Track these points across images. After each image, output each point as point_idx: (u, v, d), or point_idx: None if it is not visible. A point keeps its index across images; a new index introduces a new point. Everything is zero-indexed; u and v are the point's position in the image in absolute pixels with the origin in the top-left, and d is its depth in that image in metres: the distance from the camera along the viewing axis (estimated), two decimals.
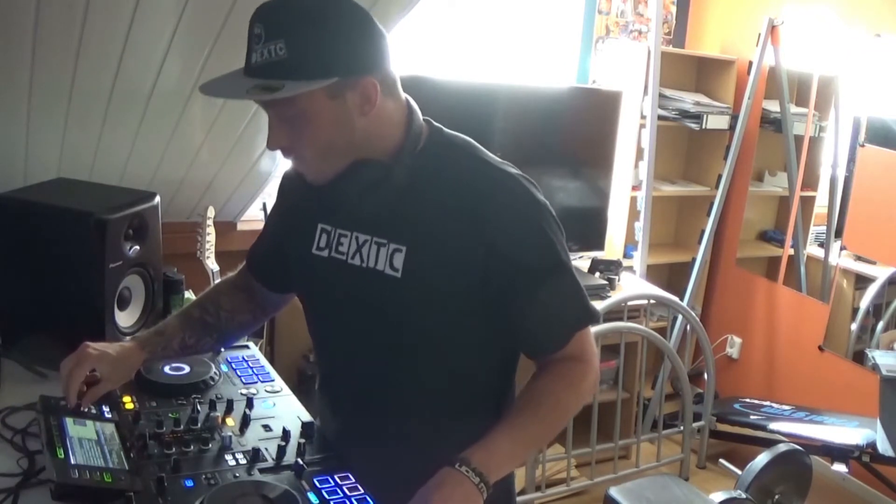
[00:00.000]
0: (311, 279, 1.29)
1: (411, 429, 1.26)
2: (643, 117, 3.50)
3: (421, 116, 1.22)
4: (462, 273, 1.15)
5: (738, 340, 3.84)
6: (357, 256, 1.21)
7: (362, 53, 1.10)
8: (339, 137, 1.13)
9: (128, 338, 1.41)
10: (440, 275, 1.15)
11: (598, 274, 3.19)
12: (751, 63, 3.56)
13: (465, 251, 1.14)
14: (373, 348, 1.24)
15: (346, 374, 1.31)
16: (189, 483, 1.15)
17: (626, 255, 3.62)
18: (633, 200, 3.60)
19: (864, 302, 3.35)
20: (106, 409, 1.31)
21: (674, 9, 3.88)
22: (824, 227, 3.64)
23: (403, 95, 1.20)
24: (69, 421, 1.22)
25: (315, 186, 1.20)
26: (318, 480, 1.19)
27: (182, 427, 1.29)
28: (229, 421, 1.35)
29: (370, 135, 1.15)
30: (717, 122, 3.66)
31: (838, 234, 3.46)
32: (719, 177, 3.68)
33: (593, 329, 1.27)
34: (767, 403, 3.45)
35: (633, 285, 3.31)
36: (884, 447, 2.78)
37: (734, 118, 3.67)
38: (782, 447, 2.58)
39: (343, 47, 1.08)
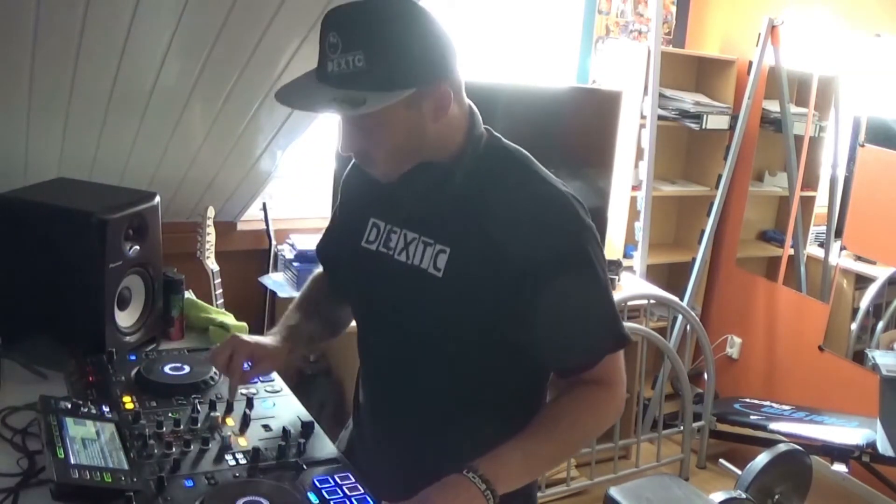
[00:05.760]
0: (357, 271, 1.31)
1: (437, 429, 1.26)
2: (643, 117, 3.50)
3: (482, 123, 1.23)
4: (500, 282, 1.15)
5: (738, 340, 3.84)
6: (404, 253, 1.22)
7: (437, 61, 1.11)
8: (411, 143, 1.15)
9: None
10: (479, 280, 1.16)
11: None
12: (751, 63, 3.56)
13: (505, 261, 1.14)
14: (408, 345, 1.25)
15: (382, 371, 1.33)
16: (189, 483, 1.15)
17: (626, 255, 3.62)
18: (633, 200, 3.60)
19: (864, 302, 3.35)
20: (106, 409, 1.31)
21: (674, 9, 3.89)
22: (824, 227, 3.64)
23: (466, 100, 1.20)
24: (69, 421, 1.22)
25: (374, 182, 1.22)
26: (318, 480, 1.19)
27: (182, 427, 1.29)
28: (229, 421, 1.35)
29: (438, 138, 1.16)
30: (717, 122, 3.66)
31: (838, 234, 3.46)
32: (719, 177, 3.68)
33: None
34: (767, 403, 3.45)
35: (633, 285, 3.31)
36: (884, 447, 2.78)
37: (734, 118, 3.67)
38: (782, 447, 2.58)
39: (420, 57, 1.09)
